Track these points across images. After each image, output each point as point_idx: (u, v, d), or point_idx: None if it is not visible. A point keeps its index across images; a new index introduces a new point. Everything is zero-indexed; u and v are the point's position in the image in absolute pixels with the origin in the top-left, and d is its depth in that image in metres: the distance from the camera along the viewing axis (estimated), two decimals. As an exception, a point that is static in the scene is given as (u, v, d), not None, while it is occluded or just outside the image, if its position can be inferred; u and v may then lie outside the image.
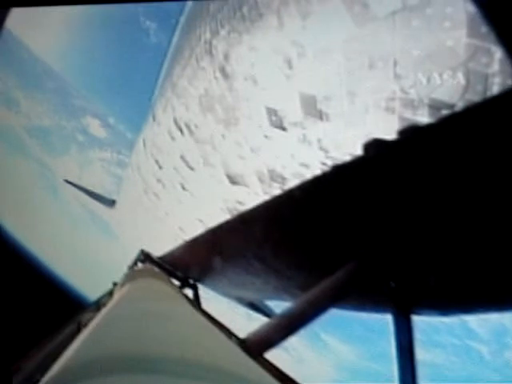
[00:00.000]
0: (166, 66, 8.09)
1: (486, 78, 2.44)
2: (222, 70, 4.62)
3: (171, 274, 9.93)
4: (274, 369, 3.80)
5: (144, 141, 9.83)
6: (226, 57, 4.48)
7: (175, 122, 6.72)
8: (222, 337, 3.09)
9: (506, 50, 2.35)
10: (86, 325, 3.72)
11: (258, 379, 2.04)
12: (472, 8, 2.40)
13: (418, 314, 4.40)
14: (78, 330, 4.09)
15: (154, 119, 8.51)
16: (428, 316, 4.78)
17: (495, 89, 2.43)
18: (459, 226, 3.26)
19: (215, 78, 4.82)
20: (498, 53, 2.37)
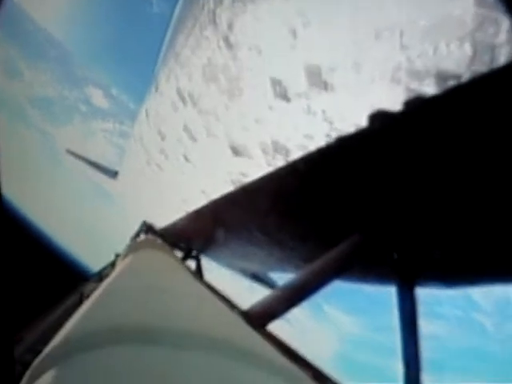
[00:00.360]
0: (169, 35, 8.05)
1: (492, 48, 2.42)
2: (226, 40, 4.59)
3: (174, 245, 9.97)
4: (276, 340, 3.82)
5: (147, 111, 9.82)
6: (230, 26, 4.45)
7: (178, 92, 6.70)
8: (225, 308, 3.10)
9: (513, 20, 2.33)
10: (88, 296, 3.74)
11: (261, 351, 2.05)
12: (480, -23, 2.37)
13: (422, 285, 4.41)
14: (81, 301, 4.11)
15: (156, 89, 8.49)
16: (432, 288, 4.78)
17: (502, 59, 2.41)
18: (463, 197, 3.25)
19: (219, 47, 4.79)
20: (505, 23, 2.34)
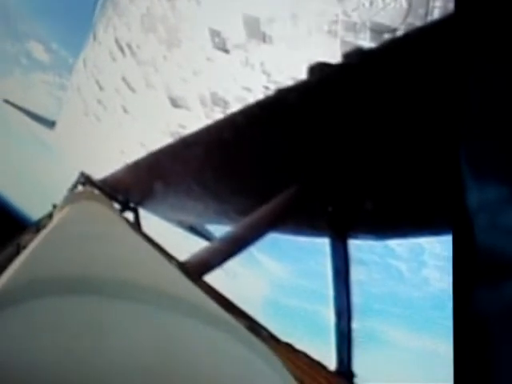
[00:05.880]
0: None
1: (427, 1, 2.43)
2: (165, -11, 4.51)
3: (112, 197, 9.87)
4: (212, 291, 3.86)
5: (84, 61, 9.59)
6: (169, -25, 4.37)
7: (116, 41, 6.56)
8: (162, 259, 3.10)
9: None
10: (25, 246, 3.69)
11: (197, 301, 2.07)
12: None
13: (355, 237, 4.50)
14: (17, 252, 4.05)
15: (94, 39, 8.29)
16: (364, 240, 4.90)
17: (436, 12, 2.43)
18: (396, 152, 3.30)
19: (157, -4, 4.71)
20: (440, -23, 2.36)
